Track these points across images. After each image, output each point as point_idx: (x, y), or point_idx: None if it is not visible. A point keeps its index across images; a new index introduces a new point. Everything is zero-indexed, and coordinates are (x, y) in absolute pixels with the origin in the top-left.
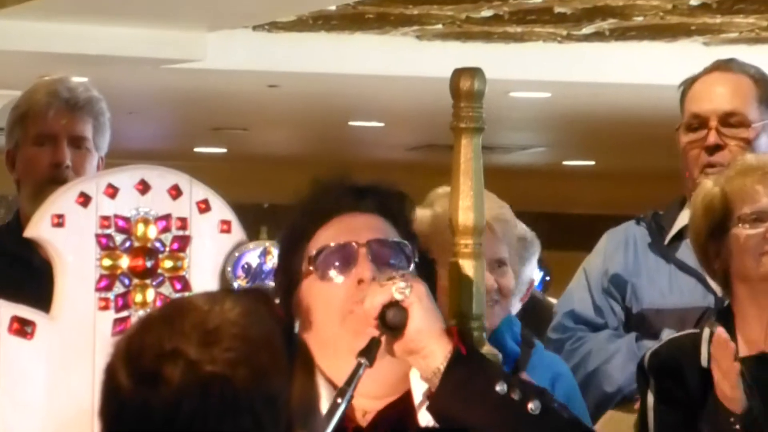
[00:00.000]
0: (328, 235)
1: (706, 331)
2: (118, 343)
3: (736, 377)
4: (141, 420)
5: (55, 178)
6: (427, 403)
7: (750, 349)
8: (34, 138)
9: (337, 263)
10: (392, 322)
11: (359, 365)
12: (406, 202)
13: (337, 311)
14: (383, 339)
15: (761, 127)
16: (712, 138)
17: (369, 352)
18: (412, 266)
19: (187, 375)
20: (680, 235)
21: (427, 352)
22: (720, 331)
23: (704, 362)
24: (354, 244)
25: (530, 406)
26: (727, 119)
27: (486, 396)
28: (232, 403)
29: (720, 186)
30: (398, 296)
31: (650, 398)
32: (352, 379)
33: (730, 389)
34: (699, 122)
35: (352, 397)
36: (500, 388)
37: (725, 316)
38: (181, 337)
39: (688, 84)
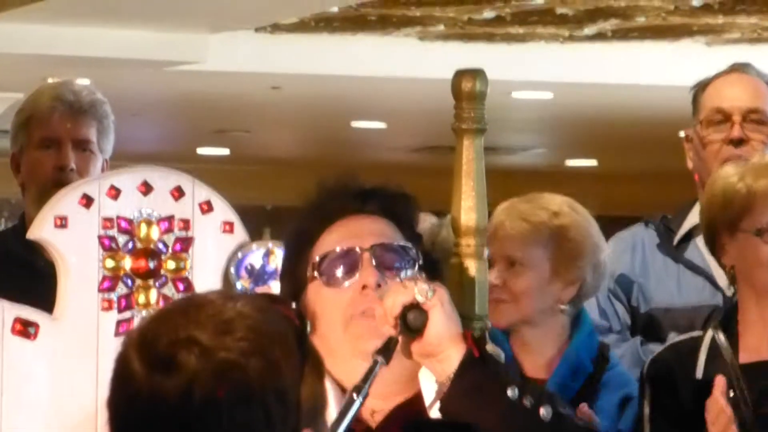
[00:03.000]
0: (332, 240)
1: (707, 337)
2: (131, 333)
3: None
4: (154, 406)
5: (60, 181)
6: (438, 404)
7: (749, 355)
8: (39, 141)
9: (341, 269)
10: (412, 323)
11: (375, 363)
12: (411, 203)
13: (341, 316)
14: (400, 339)
15: None
16: (737, 131)
17: (386, 351)
18: (416, 268)
19: (201, 361)
20: (689, 236)
21: (443, 357)
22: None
23: (699, 373)
24: (358, 249)
25: (542, 412)
26: (750, 116)
27: (497, 401)
28: (244, 392)
29: (746, 183)
30: (420, 298)
31: (646, 408)
32: (368, 376)
33: None
34: (722, 117)
35: (367, 394)
36: (512, 393)
37: (731, 316)
38: (195, 326)
39: (705, 83)
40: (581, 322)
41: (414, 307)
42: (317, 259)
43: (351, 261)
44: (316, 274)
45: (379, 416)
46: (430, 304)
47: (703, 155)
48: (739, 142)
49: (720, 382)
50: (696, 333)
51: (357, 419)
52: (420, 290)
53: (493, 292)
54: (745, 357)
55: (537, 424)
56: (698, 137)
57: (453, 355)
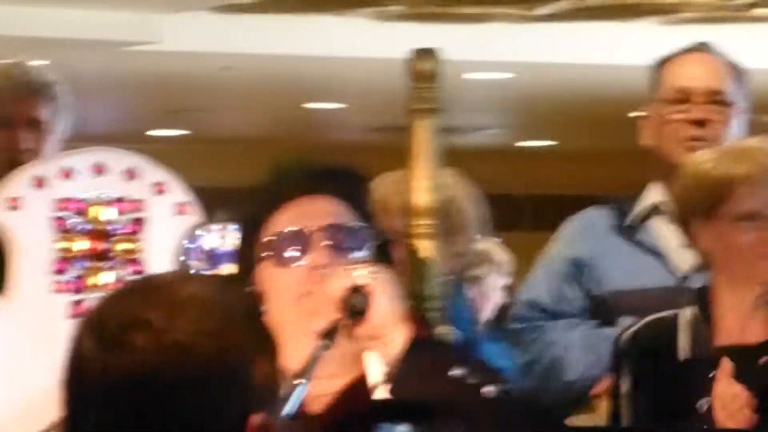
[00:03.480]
0: (283, 221)
1: (684, 316)
2: (86, 313)
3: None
4: (104, 386)
5: (13, 162)
6: (382, 384)
7: (726, 336)
8: None
9: (291, 249)
10: (355, 307)
11: (320, 346)
12: (364, 183)
13: (291, 296)
14: (345, 323)
15: (737, 110)
16: (699, 112)
17: (330, 335)
18: (367, 250)
19: (152, 343)
20: (642, 218)
21: (388, 339)
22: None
23: (681, 353)
24: (308, 229)
25: (486, 389)
26: (712, 96)
27: (442, 381)
28: (193, 373)
29: (724, 169)
30: (362, 281)
31: (624, 385)
32: (313, 360)
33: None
34: (683, 96)
35: (311, 378)
36: (457, 372)
37: (702, 298)
38: (149, 307)
39: (665, 61)
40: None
41: (357, 290)
42: (268, 239)
43: (301, 241)
44: (265, 254)
45: (326, 399)
46: (372, 288)
47: (662, 133)
48: (700, 123)
49: (726, 365)
50: (670, 312)
51: (302, 403)
52: (362, 274)
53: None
54: (721, 340)
55: (482, 403)
56: (658, 115)
57: (397, 336)
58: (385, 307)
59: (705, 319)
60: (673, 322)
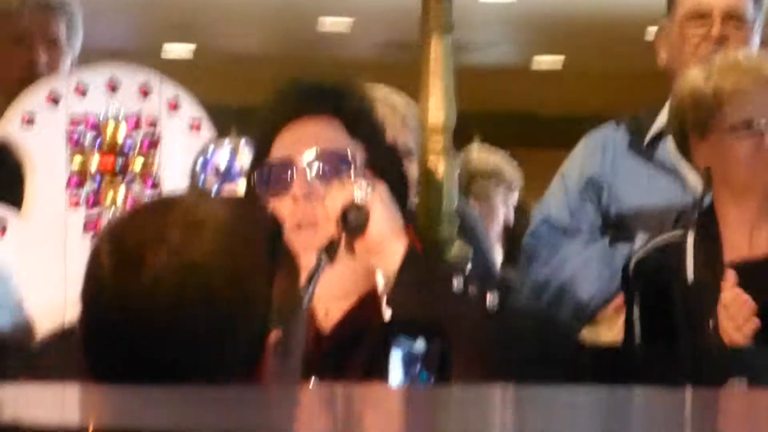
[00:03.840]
0: (276, 147)
1: (690, 238)
2: (104, 230)
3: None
4: (120, 303)
5: (30, 78)
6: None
7: (733, 252)
8: (7, 38)
9: (275, 180)
10: (353, 221)
11: (319, 262)
12: (363, 100)
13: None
14: (344, 238)
15: (754, 28)
16: (717, 30)
17: (330, 251)
18: (352, 172)
19: (167, 262)
20: (660, 136)
21: (387, 252)
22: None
23: (690, 276)
24: (291, 159)
25: (488, 299)
26: (730, 14)
27: (442, 291)
28: (208, 292)
29: (714, 82)
30: (359, 196)
31: (635, 309)
32: (312, 276)
33: (741, 338)
34: (703, 14)
35: (312, 294)
36: (456, 282)
37: (708, 216)
38: (165, 226)
39: None
40: None
41: (354, 205)
42: (258, 169)
43: (285, 171)
44: (256, 183)
45: (334, 317)
46: (369, 202)
47: (680, 51)
48: (719, 41)
49: (731, 275)
50: (677, 233)
51: (309, 322)
52: (359, 189)
53: None
54: (730, 256)
55: (483, 311)
56: (677, 33)
57: (396, 249)
58: (382, 221)
59: (711, 238)
60: (679, 243)
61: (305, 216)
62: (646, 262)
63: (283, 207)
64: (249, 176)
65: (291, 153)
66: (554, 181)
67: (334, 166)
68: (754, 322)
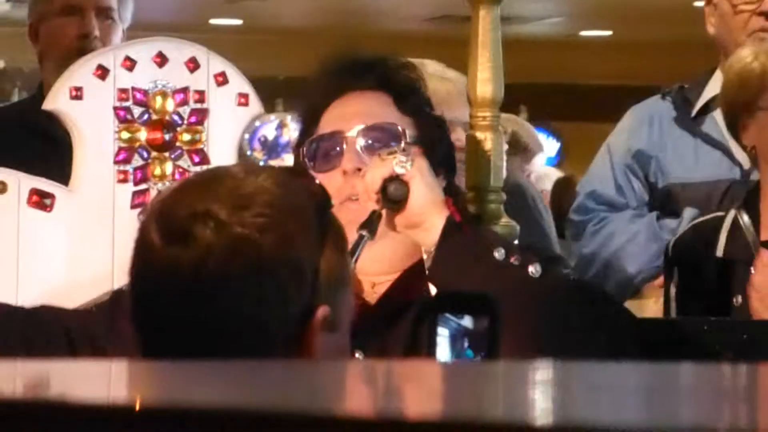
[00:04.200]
0: (324, 122)
1: (729, 216)
2: (153, 204)
3: None
4: (168, 277)
5: (83, 50)
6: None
7: None
8: (61, 9)
9: (324, 154)
10: (393, 195)
11: (361, 237)
12: (413, 74)
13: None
14: (384, 212)
15: None
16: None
17: (370, 225)
18: (401, 146)
19: (216, 235)
20: (707, 108)
21: (428, 225)
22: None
23: (719, 252)
24: (340, 133)
25: (531, 269)
26: None
27: (484, 263)
28: (257, 266)
29: (761, 62)
30: (399, 170)
31: (672, 289)
32: (354, 251)
33: None
34: None
35: (354, 268)
36: (498, 254)
37: (754, 194)
38: (214, 200)
39: None
40: None
41: (394, 179)
42: (305, 144)
43: (335, 145)
44: (305, 158)
45: (380, 289)
46: (409, 175)
47: (730, 23)
48: None
49: (765, 255)
50: (719, 213)
51: (355, 295)
52: (398, 162)
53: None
54: (767, 236)
55: (526, 283)
56: (729, 4)
57: (436, 222)
58: (423, 194)
59: (752, 215)
60: (718, 222)
61: (354, 190)
62: (684, 239)
63: (331, 181)
64: (297, 150)
65: (341, 127)
66: (599, 155)
67: (384, 140)
68: None
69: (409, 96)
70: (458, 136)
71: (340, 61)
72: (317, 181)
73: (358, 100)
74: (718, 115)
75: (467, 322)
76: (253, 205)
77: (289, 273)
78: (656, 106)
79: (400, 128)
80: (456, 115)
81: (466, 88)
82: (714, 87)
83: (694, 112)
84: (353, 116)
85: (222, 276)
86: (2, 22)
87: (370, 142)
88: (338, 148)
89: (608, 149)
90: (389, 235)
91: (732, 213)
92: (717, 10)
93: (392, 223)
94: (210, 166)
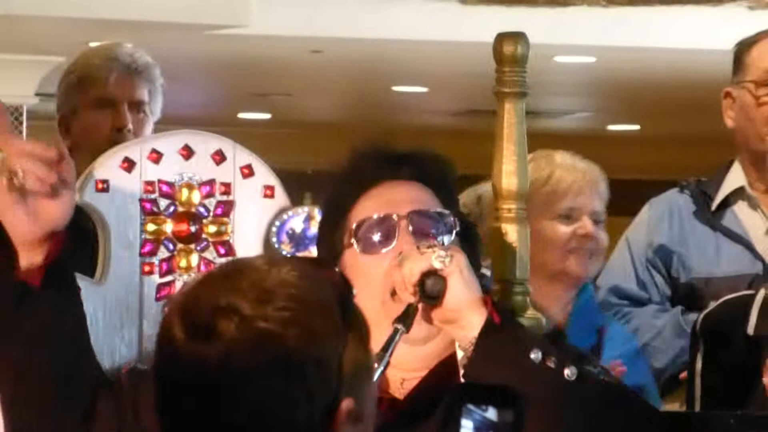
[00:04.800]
0: (369, 207)
1: (760, 294)
2: (175, 298)
3: None
4: (193, 373)
5: (117, 142)
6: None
7: None
8: (95, 102)
9: (377, 236)
10: (431, 290)
11: (396, 331)
12: (447, 168)
13: (378, 285)
14: (420, 306)
15: None
16: None
17: (406, 319)
18: (453, 235)
19: (240, 330)
20: (726, 202)
21: (464, 323)
22: None
23: (750, 330)
24: (395, 216)
25: (566, 372)
26: None
27: (520, 364)
28: (282, 361)
29: None
30: (438, 265)
31: (698, 363)
32: (389, 345)
33: None
34: None
35: (388, 363)
36: (534, 356)
37: None
38: (237, 294)
39: (752, 42)
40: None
41: (432, 273)
42: (354, 225)
43: (388, 228)
44: (353, 241)
45: (409, 385)
46: (448, 271)
47: (752, 115)
48: None
49: None
50: (749, 291)
51: (383, 389)
52: (437, 257)
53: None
54: None
55: (562, 386)
56: (751, 96)
57: (474, 320)
58: (460, 291)
59: None
60: (748, 299)
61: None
62: (713, 314)
63: (378, 263)
64: (320, 238)
65: (389, 211)
66: (619, 249)
67: (431, 227)
68: None
69: (449, 189)
70: (583, 224)
71: (373, 151)
72: (338, 270)
73: (403, 188)
74: (737, 208)
75: (491, 414)
76: (276, 299)
77: (314, 367)
78: (675, 200)
79: (452, 218)
80: (580, 203)
81: (599, 179)
82: (733, 180)
83: (714, 206)
84: (400, 201)
85: (246, 372)
86: (31, 115)
87: (421, 227)
88: (392, 231)
89: (627, 243)
90: (422, 328)
91: (762, 291)
92: (736, 103)
93: (428, 316)
94: (234, 258)
